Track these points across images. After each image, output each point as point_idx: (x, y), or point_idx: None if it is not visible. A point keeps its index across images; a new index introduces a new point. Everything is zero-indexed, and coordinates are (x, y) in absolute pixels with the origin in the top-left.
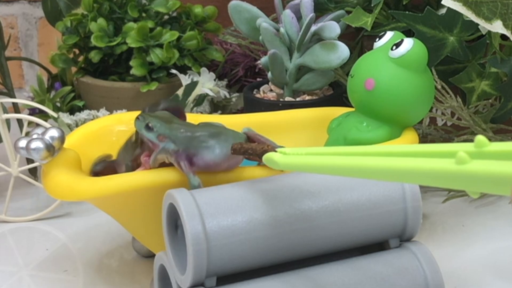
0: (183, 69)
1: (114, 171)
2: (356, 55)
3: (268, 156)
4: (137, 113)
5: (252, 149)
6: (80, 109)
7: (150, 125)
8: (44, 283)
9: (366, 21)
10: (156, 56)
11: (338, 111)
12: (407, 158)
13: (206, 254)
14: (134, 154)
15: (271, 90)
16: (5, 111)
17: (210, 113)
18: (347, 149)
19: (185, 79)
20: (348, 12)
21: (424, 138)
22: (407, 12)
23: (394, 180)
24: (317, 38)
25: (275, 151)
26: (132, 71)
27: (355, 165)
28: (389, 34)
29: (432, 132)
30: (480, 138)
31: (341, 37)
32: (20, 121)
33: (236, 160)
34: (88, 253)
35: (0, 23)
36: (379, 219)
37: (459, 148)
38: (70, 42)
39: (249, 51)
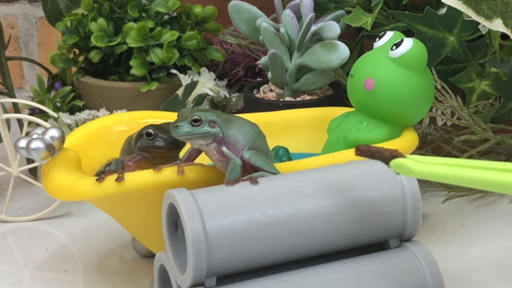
0: (183, 69)
1: None
2: (356, 55)
3: (399, 162)
4: (137, 113)
5: (380, 152)
6: (80, 109)
7: (196, 117)
8: (44, 283)
9: (366, 21)
10: (156, 56)
11: (338, 111)
12: None
13: (206, 254)
14: (129, 154)
15: (271, 90)
16: (5, 111)
17: None
18: (490, 164)
19: (185, 79)
20: (348, 12)
21: (424, 138)
22: (407, 12)
23: None
24: (317, 38)
25: (404, 157)
26: (132, 71)
27: (499, 181)
28: (389, 34)
29: (432, 132)
30: None
31: (341, 37)
32: (20, 121)
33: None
34: (88, 253)
35: (0, 23)
36: (379, 219)
37: None
38: (70, 42)
39: (249, 51)
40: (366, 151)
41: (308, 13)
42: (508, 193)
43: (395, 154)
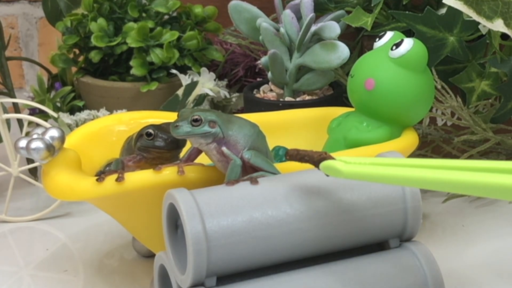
0: (183, 69)
1: None
2: (356, 55)
3: (328, 164)
4: (137, 113)
5: (309, 155)
6: (80, 109)
7: (196, 117)
8: (44, 283)
9: (366, 21)
10: (156, 56)
11: (338, 111)
12: (477, 172)
13: (206, 254)
14: (129, 155)
15: (271, 90)
16: (5, 111)
17: None
18: (416, 162)
19: (185, 79)
20: (348, 12)
21: (424, 138)
22: (407, 12)
23: (464, 192)
24: (317, 38)
25: (334, 159)
26: (132, 71)
27: (423, 178)
28: (389, 34)
29: (432, 132)
30: None
31: (341, 37)
32: (20, 121)
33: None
34: (88, 253)
35: (0, 23)
36: (379, 219)
37: None
38: (70, 42)
39: (249, 51)
40: (295, 155)
41: (308, 13)
42: (433, 190)
43: (324, 157)
